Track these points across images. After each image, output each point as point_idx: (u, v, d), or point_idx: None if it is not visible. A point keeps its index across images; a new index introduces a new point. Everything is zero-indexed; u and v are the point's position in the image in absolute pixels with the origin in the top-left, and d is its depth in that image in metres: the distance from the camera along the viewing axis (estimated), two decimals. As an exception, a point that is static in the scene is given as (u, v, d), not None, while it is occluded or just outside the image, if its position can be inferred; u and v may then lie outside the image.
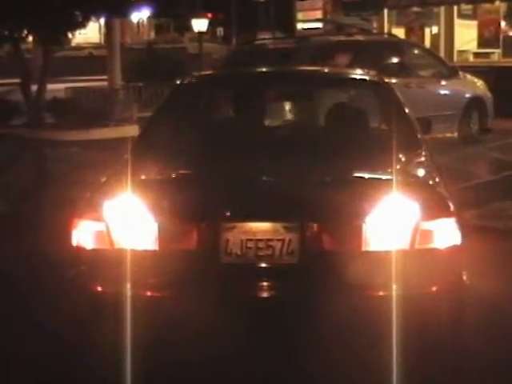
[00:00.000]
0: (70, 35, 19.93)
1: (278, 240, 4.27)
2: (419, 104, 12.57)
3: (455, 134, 13.73)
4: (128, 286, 4.26)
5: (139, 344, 4.21)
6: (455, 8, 22.20)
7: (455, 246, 4.33)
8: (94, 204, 4.49)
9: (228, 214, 4.34)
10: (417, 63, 13.69)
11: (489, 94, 14.22)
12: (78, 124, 16.99)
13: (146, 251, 4.34)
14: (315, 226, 4.27)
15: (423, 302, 4.27)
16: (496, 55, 22.39)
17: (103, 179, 4.86)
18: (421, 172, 4.97)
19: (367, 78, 6.34)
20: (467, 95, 13.89)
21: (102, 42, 30.70)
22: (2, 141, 15.33)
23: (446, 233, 4.31)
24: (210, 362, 4.46)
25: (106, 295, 4.40)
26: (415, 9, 23.38)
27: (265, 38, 23.11)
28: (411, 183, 4.62)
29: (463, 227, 4.41)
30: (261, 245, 4.28)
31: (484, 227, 7.32)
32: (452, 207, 4.40)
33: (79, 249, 4.49)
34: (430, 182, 4.68)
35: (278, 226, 4.28)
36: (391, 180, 4.43)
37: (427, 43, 22.66)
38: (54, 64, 19.84)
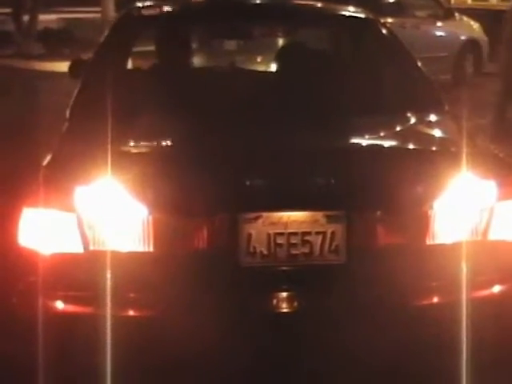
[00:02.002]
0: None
1: (318, 233, 3.26)
2: (414, 45, 12.46)
3: (449, 76, 13.65)
4: (110, 303, 3.16)
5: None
6: None
7: None
8: (59, 186, 3.24)
9: (249, 200, 3.27)
10: (412, 3, 13.63)
11: (485, 37, 14.12)
12: (69, 55, 16.83)
13: (134, 254, 3.23)
14: (366, 213, 3.31)
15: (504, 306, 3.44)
16: (494, -2, 22.15)
17: (61, 150, 3.59)
18: (474, 138, 3.92)
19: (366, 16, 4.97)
20: (463, 37, 13.80)
21: (97, -28, 30.23)
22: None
23: None
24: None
25: (74, 318, 3.26)
26: None
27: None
28: (477, 155, 3.56)
29: None
30: (295, 240, 3.26)
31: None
32: None
33: (32, 251, 3.26)
34: (497, 153, 3.66)
35: (318, 215, 3.27)
36: (455, 151, 3.54)
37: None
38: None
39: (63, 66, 16.19)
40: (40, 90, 13.67)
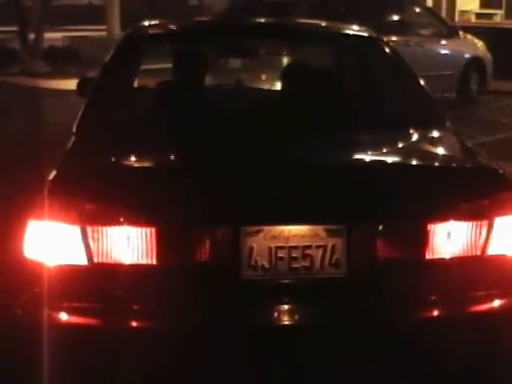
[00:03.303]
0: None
1: (318, 247, 3.28)
2: (418, 63, 12.51)
3: (453, 94, 13.68)
4: (109, 314, 3.23)
5: None
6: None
7: None
8: (64, 199, 3.26)
9: (251, 214, 3.28)
10: (417, 22, 13.62)
11: (489, 55, 14.15)
12: (74, 73, 16.89)
13: (138, 266, 3.26)
14: (366, 227, 3.33)
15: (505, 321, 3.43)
16: (498, 16, 22.24)
17: (66, 165, 3.58)
18: (474, 153, 3.91)
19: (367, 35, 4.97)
20: (467, 55, 13.83)
21: (102, -9, 30.40)
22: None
23: None
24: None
25: (78, 329, 3.27)
26: (418, -34, 23.13)
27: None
28: (479, 170, 3.63)
29: None
30: (295, 254, 3.27)
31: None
32: None
33: (37, 262, 3.30)
34: (497, 168, 3.62)
35: (318, 228, 3.28)
36: (455, 167, 3.67)
37: (429, 2, 22.49)
38: (52, 13, 19.73)
39: (68, 84, 16.31)
40: (45, 108, 13.70)
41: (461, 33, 14.09)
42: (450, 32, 13.86)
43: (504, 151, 9.47)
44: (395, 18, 13.40)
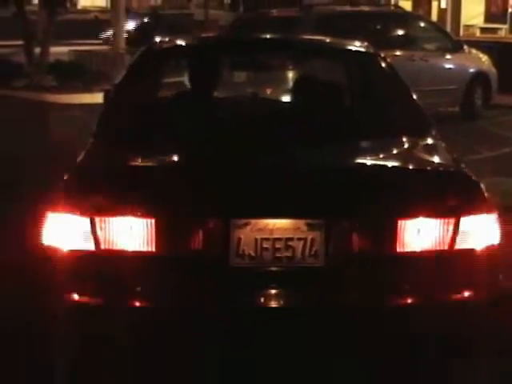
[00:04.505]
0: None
1: (300, 239, 3.64)
2: (422, 77, 12.54)
3: (458, 109, 13.70)
4: (114, 295, 3.65)
5: (127, 368, 3.69)
6: (463, -19, 22.09)
7: (494, 246, 3.83)
8: (75, 194, 3.74)
9: (239, 208, 3.67)
10: (421, 36, 13.63)
11: (493, 70, 14.16)
12: (80, 87, 16.97)
13: (139, 253, 3.67)
14: (342, 222, 3.69)
15: (467, 309, 3.78)
16: (503, 31, 22.28)
17: (79, 163, 4.07)
18: (450, 158, 4.27)
19: (364, 50, 5.33)
20: (471, 70, 13.84)
21: (108, 5, 30.50)
22: (4, 103, 15.30)
23: (487, 230, 3.80)
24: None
25: (87, 307, 3.71)
26: (423, -19, 23.21)
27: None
28: (449, 173, 4.02)
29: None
30: (279, 245, 3.65)
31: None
32: (491, 201, 3.87)
33: (53, 248, 3.74)
34: (467, 173, 3.99)
35: (300, 222, 3.65)
36: (428, 169, 4.04)
37: (434, 17, 22.55)
38: (58, 27, 19.78)
39: (74, 98, 16.40)
40: (51, 122, 13.75)
41: (465, 47, 14.11)
42: (455, 46, 13.87)
43: (509, 166, 9.48)
44: (400, 32, 13.43)
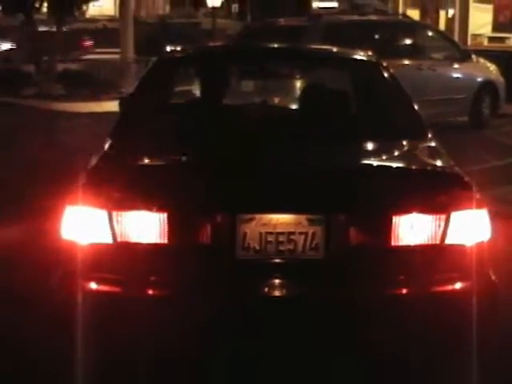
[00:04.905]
0: (83, 7, 19.98)
1: (301, 233, 3.90)
2: (430, 87, 12.55)
3: (466, 118, 13.71)
4: (130, 284, 3.90)
5: (142, 352, 3.91)
6: (471, -9, 22.10)
7: (484, 239, 4.08)
8: (94, 190, 3.98)
9: (245, 204, 3.93)
10: (429, 45, 13.64)
11: (501, 79, 14.17)
12: (89, 96, 17.03)
13: (153, 245, 3.93)
14: (341, 217, 3.93)
15: (456, 300, 4.00)
16: (511, 40, 22.28)
17: (98, 161, 4.37)
18: (442, 159, 4.54)
19: (365, 58, 5.66)
20: (479, 79, 13.85)
21: (117, 14, 30.59)
22: (13, 111, 15.37)
23: (477, 225, 4.04)
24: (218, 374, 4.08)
25: (105, 296, 3.97)
26: (431, -9, 23.24)
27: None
28: (441, 173, 4.35)
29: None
30: (282, 238, 3.90)
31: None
32: (480, 197, 4.12)
33: (71, 241, 3.99)
34: (457, 172, 4.30)
35: (301, 217, 3.91)
36: (421, 169, 4.36)
37: (442, 26, 22.57)
38: (67, 36, 19.86)
39: (82, 107, 16.45)
40: (59, 130, 13.81)
41: (473, 56, 14.12)
42: (463, 56, 13.89)
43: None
44: (407, 41, 13.45)
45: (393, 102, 5.16)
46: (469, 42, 21.43)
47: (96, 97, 16.84)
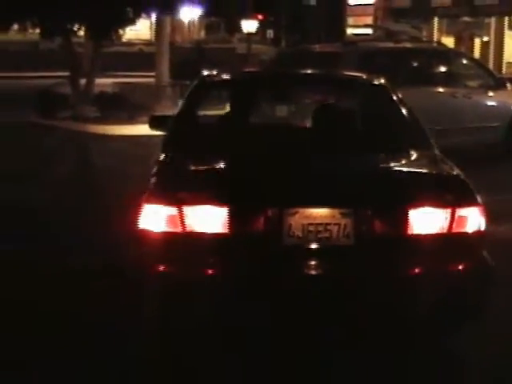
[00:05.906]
0: (120, 31, 20.19)
1: (335, 224, 4.79)
2: (465, 114, 12.53)
3: (500, 146, 13.64)
4: (197, 267, 4.75)
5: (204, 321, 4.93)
6: (506, 19, 22.04)
7: (481, 229, 4.96)
8: (166, 190, 4.91)
9: (292, 200, 4.82)
10: (464, 73, 13.60)
11: (536, 107, 14.07)
12: (123, 118, 17.18)
13: (214, 234, 4.77)
14: (367, 211, 4.80)
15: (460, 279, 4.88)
16: (546, 68, 22.17)
17: (161, 169, 5.25)
18: (447, 165, 5.41)
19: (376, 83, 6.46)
20: (514, 107, 13.77)
21: (153, 39, 30.86)
22: (49, 133, 15.54)
23: (475, 218, 4.92)
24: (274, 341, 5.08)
25: (174, 276, 4.81)
26: (465, 18, 23.24)
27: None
28: (447, 176, 5.22)
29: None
30: (320, 228, 4.79)
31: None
32: (478, 197, 5.00)
33: (148, 231, 4.84)
34: (460, 175, 5.20)
35: (335, 211, 4.80)
36: (431, 172, 5.33)
37: (476, 54, 22.52)
38: (104, 59, 20.07)
39: (117, 130, 16.57)
40: (94, 152, 13.93)
41: (508, 84, 14.07)
42: (498, 83, 13.84)
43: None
44: (442, 69, 13.43)
45: (402, 119, 5.99)
46: (504, 70, 21.36)
47: (131, 119, 16.98)
